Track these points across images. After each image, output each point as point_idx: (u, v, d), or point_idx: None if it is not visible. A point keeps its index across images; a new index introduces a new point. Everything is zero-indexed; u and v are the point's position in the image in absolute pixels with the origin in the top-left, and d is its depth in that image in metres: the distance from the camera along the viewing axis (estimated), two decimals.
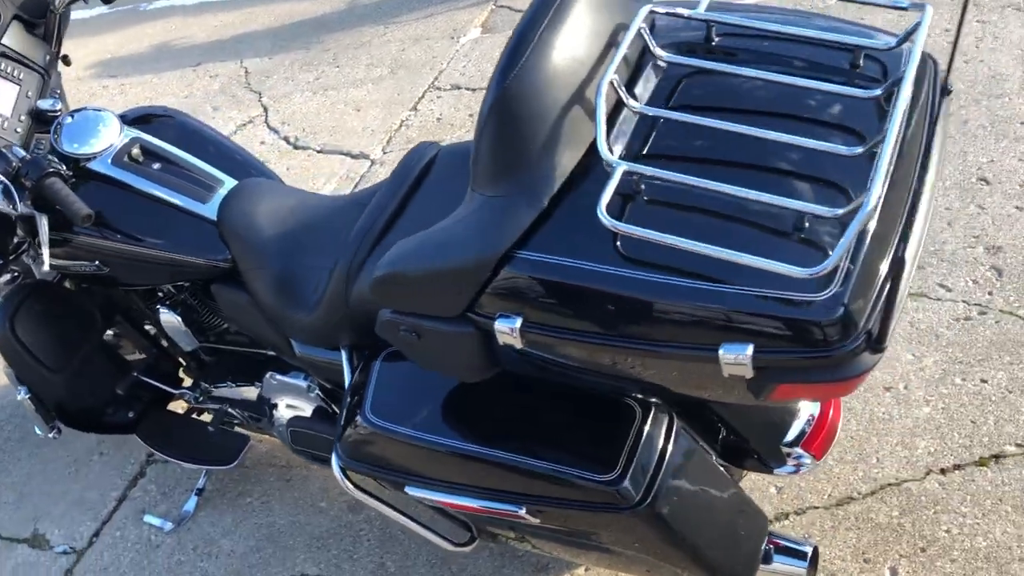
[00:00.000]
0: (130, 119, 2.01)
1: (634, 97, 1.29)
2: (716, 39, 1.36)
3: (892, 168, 1.20)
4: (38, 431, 2.17)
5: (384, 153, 3.49)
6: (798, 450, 1.63)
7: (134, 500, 2.39)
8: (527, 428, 1.48)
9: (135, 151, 1.90)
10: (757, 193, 1.13)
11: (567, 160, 1.24)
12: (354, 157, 3.52)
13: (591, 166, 1.24)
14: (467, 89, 3.73)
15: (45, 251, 1.83)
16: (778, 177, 1.20)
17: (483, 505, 1.50)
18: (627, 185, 1.20)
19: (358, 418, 1.56)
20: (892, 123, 1.13)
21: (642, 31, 1.30)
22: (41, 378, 2.06)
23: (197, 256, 1.84)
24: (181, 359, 2.25)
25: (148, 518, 2.31)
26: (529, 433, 1.46)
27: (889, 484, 1.97)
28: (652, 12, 1.33)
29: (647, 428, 1.41)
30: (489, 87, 1.23)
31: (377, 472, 1.59)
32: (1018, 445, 1.98)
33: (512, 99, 1.21)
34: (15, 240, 2.00)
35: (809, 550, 1.60)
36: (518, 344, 1.27)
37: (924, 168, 1.26)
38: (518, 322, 1.25)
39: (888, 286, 1.15)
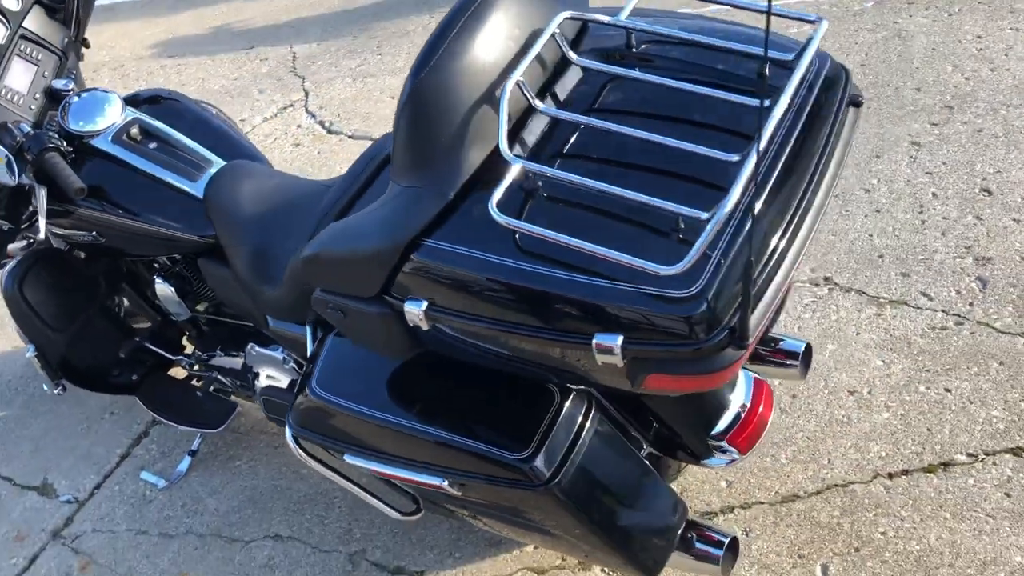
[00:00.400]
0: (140, 99, 2.17)
1: (551, 100, 1.37)
2: (636, 46, 1.43)
3: (776, 173, 1.27)
4: (45, 387, 2.35)
5: None
6: (724, 443, 1.68)
7: (136, 458, 2.57)
8: (453, 406, 1.57)
9: (134, 131, 2.05)
10: (635, 194, 1.21)
11: (474, 156, 1.32)
12: None
13: (498, 163, 1.33)
14: None
15: (42, 220, 2.00)
16: (663, 179, 1.27)
17: (410, 476, 1.60)
18: (525, 182, 1.29)
19: (307, 389, 1.68)
20: (763, 132, 1.19)
21: (555, 36, 1.38)
22: (46, 338, 2.24)
23: (184, 231, 1.98)
24: (181, 327, 2.41)
25: (144, 475, 2.48)
26: (454, 411, 1.56)
27: (836, 485, 2.01)
28: (570, 18, 1.41)
29: (564, 411, 1.48)
30: (404, 83, 1.33)
31: (321, 440, 1.70)
32: (969, 455, 2.00)
33: (423, 96, 1.31)
34: (29, 209, 2.18)
35: (727, 540, 1.66)
36: (424, 325, 1.37)
37: (817, 176, 1.32)
38: (424, 305, 1.35)
39: (757, 286, 1.22)
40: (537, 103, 1.34)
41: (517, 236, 1.27)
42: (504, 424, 1.51)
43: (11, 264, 2.21)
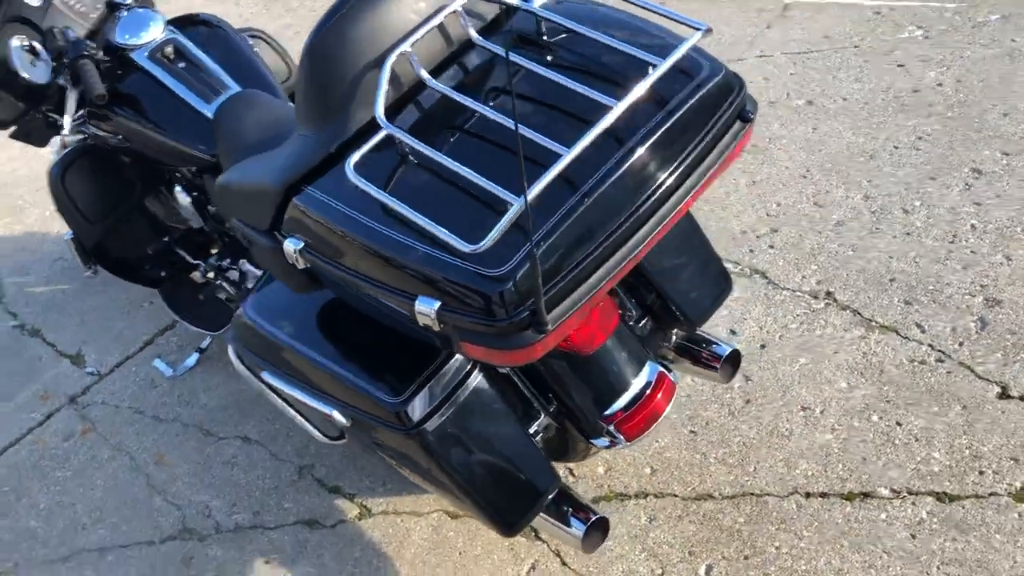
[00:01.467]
0: (185, 21, 2.39)
1: (445, 76, 1.47)
2: (545, 34, 1.50)
3: (620, 172, 1.33)
4: (82, 270, 2.66)
5: None
6: (611, 427, 1.74)
7: (157, 346, 2.86)
8: (353, 346, 1.71)
9: (168, 49, 2.27)
10: (472, 173, 1.30)
11: (361, 116, 1.44)
12: None
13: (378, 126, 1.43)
14: None
15: (68, 119, 2.26)
16: (507, 162, 1.35)
17: (309, 401, 1.76)
18: (390, 148, 1.40)
19: (242, 308, 1.86)
20: (590, 130, 1.26)
21: (461, 15, 1.47)
22: (81, 226, 2.53)
23: (190, 147, 2.20)
24: (208, 236, 2.65)
25: (157, 362, 2.76)
26: (352, 350, 1.70)
27: (752, 493, 2.03)
28: None
29: (446, 368, 1.60)
30: (307, 38, 1.45)
31: (248, 356, 1.89)
32: (892, 491, 1.98)
33: (320, 53, 1.43)
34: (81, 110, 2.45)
35: (594, 519, 1.73)
36: (300, 264, 1.51)
37: (665, 182, 1.36)
38: (300, 245, 1.49)
39: (567, 280, 1.29)
40: (424, 75, 1.44)
41: (370, 195, 1.38)
42: (391, 369, 1.64)
43: (61, 155, 2.49)
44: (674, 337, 1.95)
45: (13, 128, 2.44)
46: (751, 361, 2.33)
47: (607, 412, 1.73)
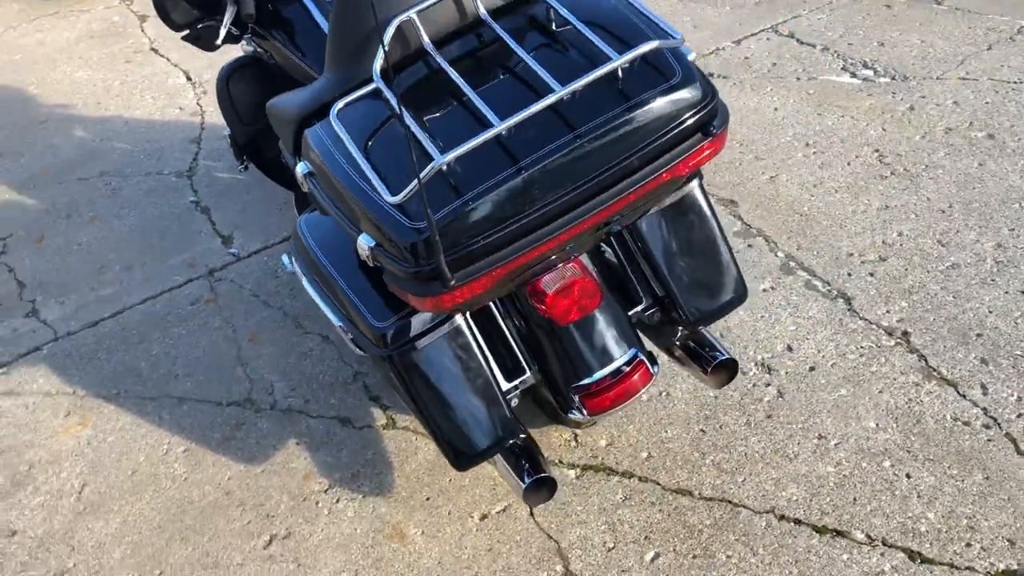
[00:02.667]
0: None
1: (445, 44, 1.63)
2: (549, 20, 1.62)
3: (554, 156, 1.45)
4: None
5: None
6: (577, 398, 1.85)
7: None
8: (365, 275, 1.93)
9: None
10: (422, 134, 1.47)
11: (367, 68, 1.64)
12: None
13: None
14: (793, 39, 3.85)
15: (222, 31, 2.61)
16: (462, 127, 1.50)
17: (330, 314, 2.02)
18: (375, 100, 1.59)
19: (298, 222, 2.14)
20: (525, 110, 1.38)
21: None
22: (236, 125, 2.92)
23: (318, 73, 2.49)
24: None
25: (283, 257, 3.13)
26: (364, 278, 1.92)
27: (729, 501, 2.07)
28: None
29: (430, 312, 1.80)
30: None
31: (298, 262, 2.16)
32: (868, 536, 1.94)
33: (346, 4, 1.64)
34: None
35: (540, 476, 1.86)
36: (304, 188, 1.74)
37: (612, 176, 1.46)
38: (306, 170, 1.72)
39: (476, 246, 1.43)
40: (426, 42, 1.60)
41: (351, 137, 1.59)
42: (387, 300, 1.85)
43: (229, 61, 2.89)
44: (679, 332, 2.01)
45: (186, 31, 2.85)
46: (793, 381, 2.32)
47: (575, 383, 1.84)
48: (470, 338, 1.83)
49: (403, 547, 2.10)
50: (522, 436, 1.90)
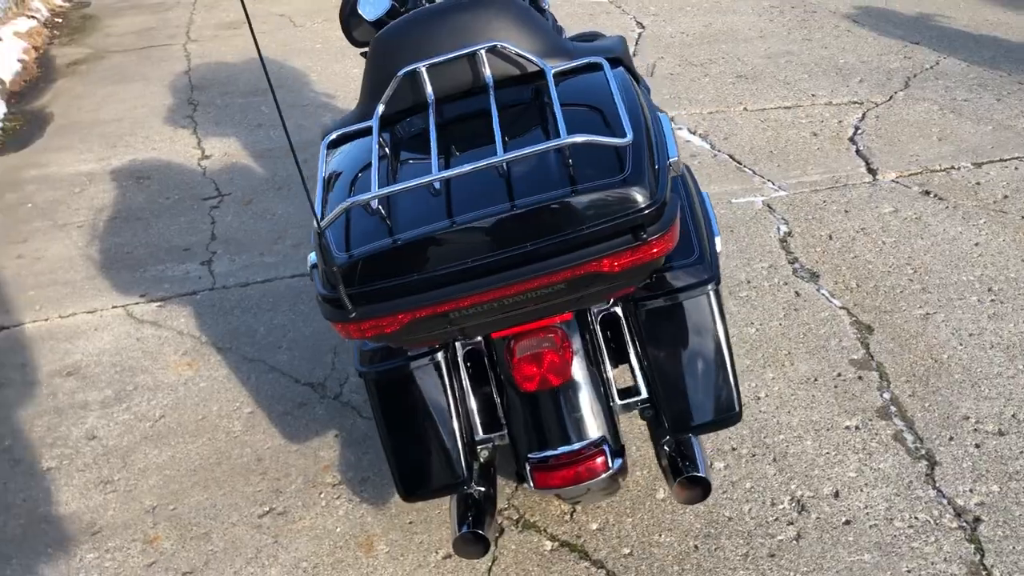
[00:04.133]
0: None
1: (444, 98, 1.73)
2: (546, 96, 1.67)
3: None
4: None
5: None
6: (527, 467, 1.85)
7: None
8: None
9: None
10: (375, 172, 1.58)
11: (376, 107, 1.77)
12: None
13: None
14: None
15: None
16: (420, 165, 1.60)
17: None
18: (366, 138, 1.73)
19: None
20: (455, 168, 1.46)
21: (482, 56, 1.70)
22: None
23: None
24: None
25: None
26: None
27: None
28: (495, 47, 1.71)
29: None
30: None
31: None
32: None
33: (378, 46, 1.80)
34: None
35: (477, 533, 1.85)
36: None
37: (525, 255, 1.48)
38: None
39: (395, 285, 1.51)
40: (428, 94, 1.71)
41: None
42: None
43: None
44: (665, 435, 1.94)
45: (364, 49, 3.14)
46: (819, 528, 2.13)
47: (531, 453, 1.85)
48: (445, 378, 1.89)
49: (365, 558, 2.20)
50: (481, 488, 1.93)
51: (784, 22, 5.39)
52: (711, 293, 1.85)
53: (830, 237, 3.24)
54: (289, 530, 2.30)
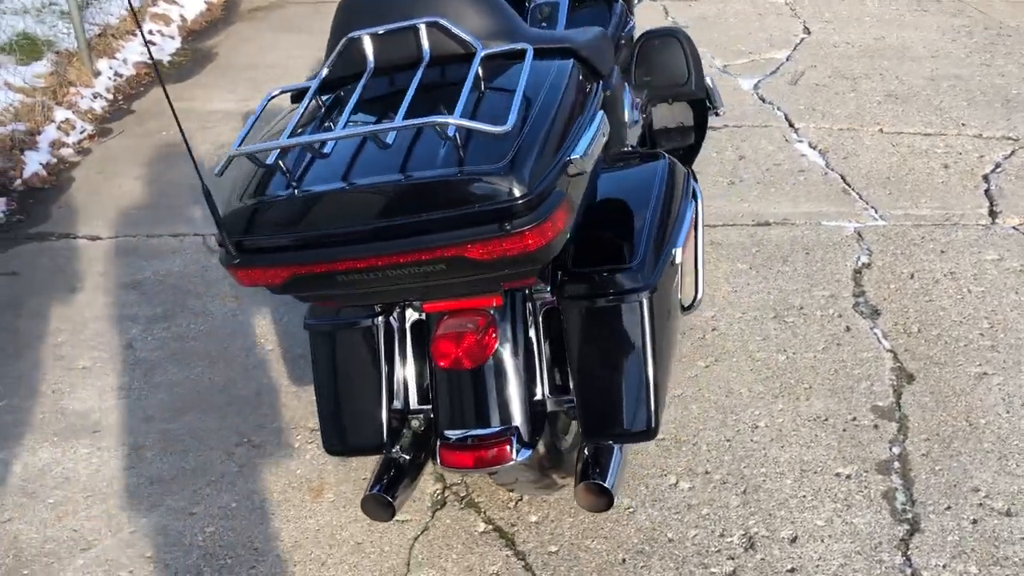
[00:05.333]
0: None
1: (388, 66, 1.77)
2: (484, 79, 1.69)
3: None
4: None
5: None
6: (437, 444, 1.88)
7: None
8: None
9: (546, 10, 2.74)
10: (288, 129, 1.66)
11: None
12: None
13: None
14: None
15: None
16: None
17: None
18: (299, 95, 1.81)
19: None
20: (345, 130, 1.52)
21: (422, 29, 1.73)
22: None
23: None
24: None
25: None
26: None
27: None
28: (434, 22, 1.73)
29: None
30: None
31: None
32: None
33: (338, 13, 1.85)
34: None
35: (382, 496, 1.91)
36: None
37: (394, 230, 1.52)
38: None
39: (278, 240, 1.58)
40: (369, 62, 1.75)
41: None
42: None
43: None
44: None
45: None
46: (760, 570, 2.03)
47: (444, 430, 1.88)
48: (382, 344, 1.94)
49: (311, 502, 2.31)
50: (407, 456, 1.98)
51: (967, 43, 5.00)
52: (643, 302, 1.80)
53: (911, 276, 3.02)
54: (255, 463, 2.44)
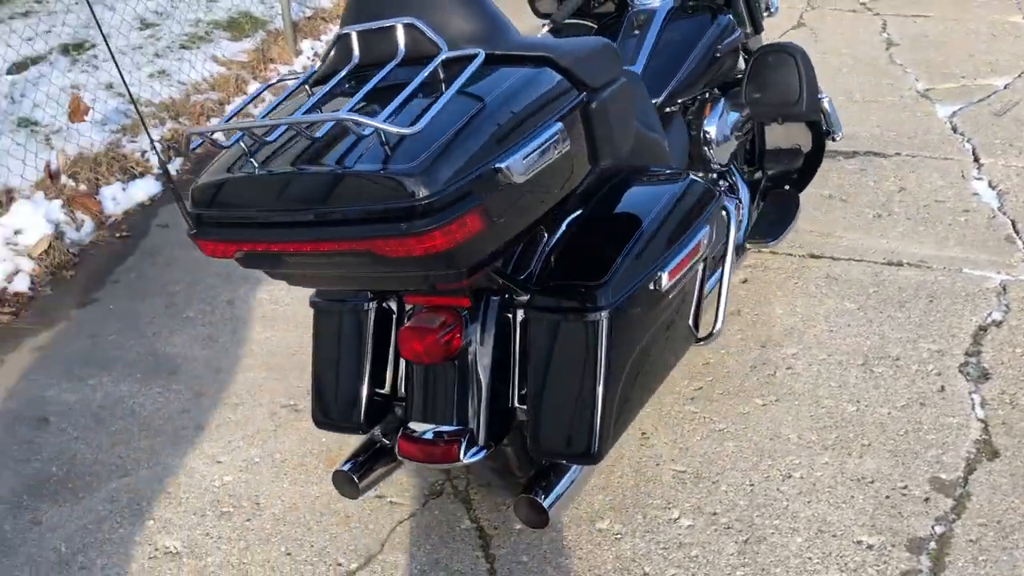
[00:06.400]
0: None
1: (371, 70, 1.80)
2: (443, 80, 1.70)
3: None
4: None
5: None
6: (400, 434, 1.94)
7: None
8: None
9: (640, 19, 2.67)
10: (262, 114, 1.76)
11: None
12: None
13: None
14: None
15: None
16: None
17: None
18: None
19: None
20: (297, 117, 1.60)
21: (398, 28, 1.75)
22: None
23: None
24: None
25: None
26: None
27: None
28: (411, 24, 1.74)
29: None
30: None
31: None
32: None
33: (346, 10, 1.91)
34: None
35: (347, 474, 1.99)
36: None
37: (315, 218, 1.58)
38: None
39: (233, 216, 1.68)
40: (355, 58, 1.78)
41: None
42: None
43: None
44: None
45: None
46: None
47: (408, 421, 1.94)
48: (370, 328, 2.02)
49: (324, 471, 2.43)
50: (386, 441, 2.06)
51: None
52: (602, 321, 1.76)
53: None
54: (291, 425, 2.60)
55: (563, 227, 1.95)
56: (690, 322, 2.11)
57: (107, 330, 3.17)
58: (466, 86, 1.64)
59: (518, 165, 1.58)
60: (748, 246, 2.75)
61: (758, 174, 2.99)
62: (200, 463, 2.51)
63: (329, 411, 2.05)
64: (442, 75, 1.68)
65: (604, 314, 1.76)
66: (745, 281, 3.08)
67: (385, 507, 2.29)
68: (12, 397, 2.86)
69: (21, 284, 3.34)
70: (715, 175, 2.75)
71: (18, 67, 4.58)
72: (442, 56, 1.68)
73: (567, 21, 2.84)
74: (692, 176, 2.10)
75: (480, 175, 1.54)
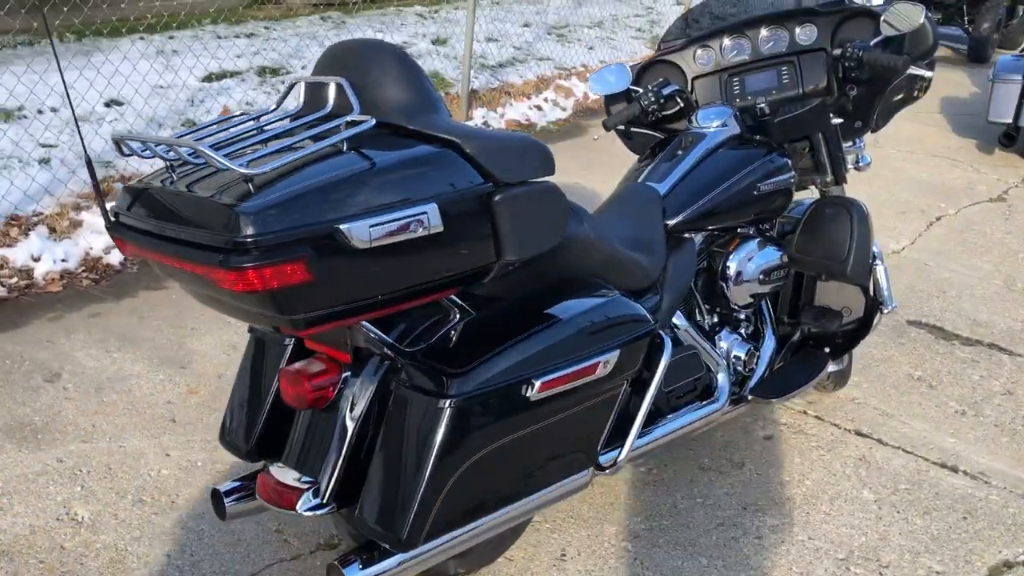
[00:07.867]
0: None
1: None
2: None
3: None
4: None
5: None
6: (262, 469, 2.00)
7: None
8: None
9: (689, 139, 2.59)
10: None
11: None
12: None
13: None
14: None
15: None
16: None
17: None
18: None
19: None
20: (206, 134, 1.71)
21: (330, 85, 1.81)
22: None
23: None
24: None
25: None
26: None
27: None
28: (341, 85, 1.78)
29: None
30: None
31: None
32: None
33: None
34: None
35: (218, 494, 2.04)
36: None
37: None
38: None
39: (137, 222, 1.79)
40: (300, 103, 1.87)
41: None
42: None
43: None
44: None
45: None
46: None
47: (275, 461, 2.00)
48: (283, 363, 2.07)
49: None
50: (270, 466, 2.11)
51: None
52: (446, 408, 1.75)
53: None
54: None
55: (473, 312, 1.93)
56: (587, 447, 2.02)
57: (156, 315, 3.43)
58: (354, 148, 1.68)
59: (361, 231, 1.58)
60: (750, 398, 2.58)
61: (794, 328, 2.80)
62: (151, 451, 2.65)
63: (228, 433, 2.12)
64: (340, 135, 1.70)
65: (450, 402, 1.74)
66: (769, 438, 2.87)
67: (277, 542, 2.32)
68: (45, 348, 3.16)
69: (114, 258, 3.69)
70: (738, 314, 2.61)
71: (215, 77, 5.11)
72: (347, 118, 1.71)
73: (635, 130, 2.82)
74: (623, 299, 2.03)
75: (314, 230, 1.56)
